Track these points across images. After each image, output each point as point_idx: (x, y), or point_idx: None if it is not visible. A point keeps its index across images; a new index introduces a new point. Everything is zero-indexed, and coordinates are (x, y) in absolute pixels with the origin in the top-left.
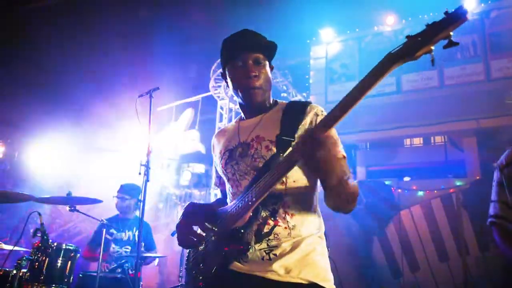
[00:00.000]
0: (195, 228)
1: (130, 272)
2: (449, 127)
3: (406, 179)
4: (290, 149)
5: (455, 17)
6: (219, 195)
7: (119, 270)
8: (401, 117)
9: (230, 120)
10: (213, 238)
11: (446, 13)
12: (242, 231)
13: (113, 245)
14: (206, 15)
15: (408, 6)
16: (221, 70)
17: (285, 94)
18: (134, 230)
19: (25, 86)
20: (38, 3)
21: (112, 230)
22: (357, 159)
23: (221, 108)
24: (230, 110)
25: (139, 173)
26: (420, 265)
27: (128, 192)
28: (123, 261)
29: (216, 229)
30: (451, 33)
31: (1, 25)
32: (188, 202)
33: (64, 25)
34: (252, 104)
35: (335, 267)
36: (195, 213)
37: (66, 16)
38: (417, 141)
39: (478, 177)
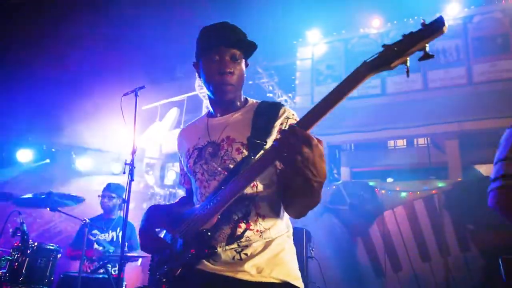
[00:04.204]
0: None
1: (113, 272)
2: (432, 129)
3: (390, 180)
4: (262, 152)
5: (432, 30)
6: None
7: (102, 270)
8: (385, 119)
9: None
10: (179, 240)
11: (423, 24)
12: (209, 234)
13: (96, 246)
14: (192, 15)
15: (393, 9)
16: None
17: (271, 95)
18: (118, 231)
19: (6, 84)
20: None
21: (95, 231)
22: (342, 160)
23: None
24: None
25: (124, 172)
26: (402, 265)
27: (115, 191)
28: (105, 261)
29: (182, 231)
30: (427, 45)
31: None
32: (150, 205)
33: (46, 21)
34: (223, 101)
35: (319, 266)
36: (158, 216)
37: (48, 12)
38: (401, 142)
39: (459, 179)
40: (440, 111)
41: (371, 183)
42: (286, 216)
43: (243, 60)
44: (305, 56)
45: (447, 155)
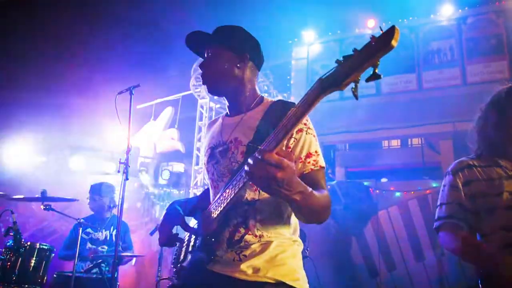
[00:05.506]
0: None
1: (107, 272)
2: (426, 129)
3: (384, 180)
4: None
5: (384, 42)
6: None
7: (96, 270)
8: (380, 119)
9: (210, 119)
10: (192, 239)
11: (373, 38)
12: (213, 239)
13: (89, 245)
14: (188, 14)
15: (388, 9)
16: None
17: (266, 95)
18: (112, 230)
19: None
20: None
21: (89, 230)
22: (336, 160)
23: (202, 107)
24: (211, 109)
25: (118, 171)
26: (396, 264)
27: (98, 192)
28: (99, 261)
29: (195, 233)
30: (379, 62)
31: None
32: (172, 201)
33: (43, 19)
34: (228, 99)
35: (314, 266)
36: (176, 214)
37: (45, 9)
38: (395, 143)
39: None
40: (435, 112)
41: (365, 183)
42: (293, 219)
43: (222, 54)
44: (301, 56)
45: (441, 155)
